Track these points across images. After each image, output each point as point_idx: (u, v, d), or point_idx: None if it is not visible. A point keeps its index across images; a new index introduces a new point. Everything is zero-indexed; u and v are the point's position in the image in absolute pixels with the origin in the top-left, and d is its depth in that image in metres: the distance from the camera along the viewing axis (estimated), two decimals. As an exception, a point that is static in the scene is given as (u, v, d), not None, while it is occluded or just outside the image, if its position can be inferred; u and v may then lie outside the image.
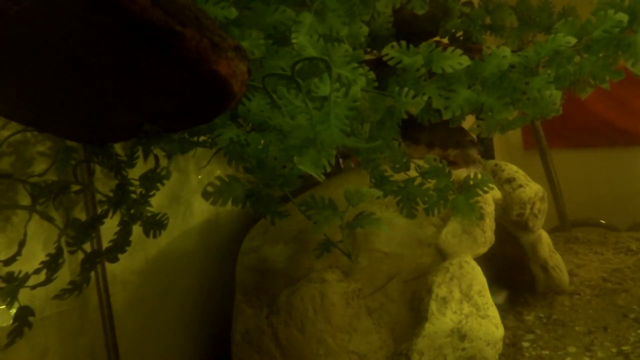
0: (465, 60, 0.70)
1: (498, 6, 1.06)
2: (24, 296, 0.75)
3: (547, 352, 1.02)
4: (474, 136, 1.14)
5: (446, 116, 0.72)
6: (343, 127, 0.53)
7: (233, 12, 0.57)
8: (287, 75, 0.57)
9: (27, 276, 0.75)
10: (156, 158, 0.86)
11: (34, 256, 0.81)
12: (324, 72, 0.57)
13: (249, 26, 0.63)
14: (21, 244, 0.76)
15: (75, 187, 0.85)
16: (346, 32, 0.69)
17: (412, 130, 1.09)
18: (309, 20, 0.64)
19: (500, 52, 0.72)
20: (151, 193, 0.84)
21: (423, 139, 1.12)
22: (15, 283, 0.73)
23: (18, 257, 0.76)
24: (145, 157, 0.85)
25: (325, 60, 0.57)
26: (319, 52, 0.61)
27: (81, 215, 0.91)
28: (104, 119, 0.57)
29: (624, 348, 0.98)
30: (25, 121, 0.66)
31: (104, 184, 0.91)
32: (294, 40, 0.62)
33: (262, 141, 0.59)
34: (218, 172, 1.15)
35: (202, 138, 0.81)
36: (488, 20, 1.07)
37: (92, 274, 0.89)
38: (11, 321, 0.74)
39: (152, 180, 0.83)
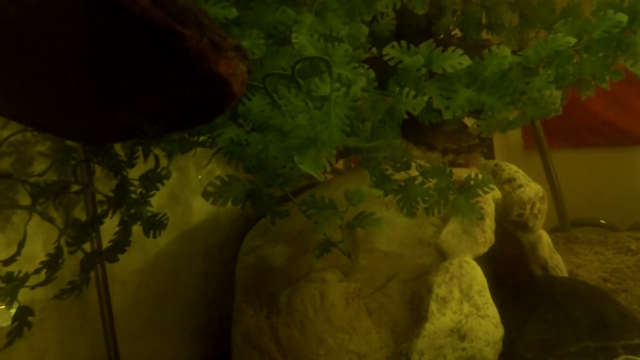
0: (466, 60, 0.69)
1: (495, 3, 1.04)
2: (24, 296, 0.75)
3: (547, 352, 1.01)
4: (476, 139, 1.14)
5: (446, 116, 0.72)
6: (343, 127, 0.53)
7: (233, 12, 0.57)
8: (287, 74, 0.57)
9: (26, 276, 0.75)
10: (156, 158, 0.86)
11: (34, 256, 0.81)
12: (324, 72, 0.57)
13: (249, 26, 0.63)
14: (21, 244, 0.76)
15: (75, 187, 0.85)
16: (346, 32, 0.69)
17: (426, 135, 1.09)
18: (309, 20, 0.64)
19: (501, 52, 0.72)
20: (151, 193, 0.85)
21: (439, 146, 1.12)
22: (14, 283, 0.73)
23: (17, 257, 0.76)
24: (145, 157, 0.85)
25: (326, 59, 0.57)
26: (319, 52, 0.61)
27: (81, 215, 0.91)
28: (104, 119, 0.57)
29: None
30: (25, 121, 0.67)
31: (104, 184, 0.91)
32: (294, 40, 0.62)
33: (263, 141, 0.58)
34: (218, 172, 1.15)
35: (202, 138, 0.81)
36: (485, 19, 1.06)
37: (92, 274, 0.89)
38: (10, 321, 0.74)
39: (152, 180, 0.83)
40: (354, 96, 0.55)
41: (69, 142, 0.83)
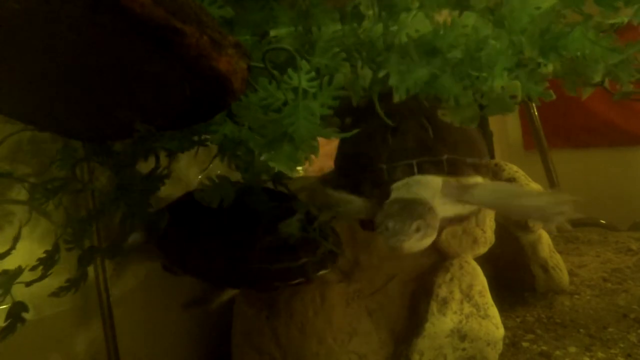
0: (425, 27, 0.57)
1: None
2: (25, 296, 0.74)
3: (547, 352, 1.01)
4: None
5: (395, 98, 0.60)
6: (313, 120, 0.50)
7: (230, 12, 0.57)
8: (260, 66, 0.55)
9: (20, 270, 0.73)
10: (157, 157, 0.86)
11: (35, 257, 0.81)
12: (302, 61, 0.54)
13: (236, 23, 0.61)
14: (16, 239, 0.75)
15: (76, 186, 0.85)
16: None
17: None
18: (290, 16, 0.61)
19: (462, 21, 0.58)
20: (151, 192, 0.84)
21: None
22: (7, 276, 0.72)
23: (13, 251, 0.75)
24: (146, 157, 0.85)
25: (289, 49, 0.54)
26: (299, 42, 0.59)
27: (81, 214, 0.91)
28: (105, 118, 0.57)
29: (624, 348, 0.98)
30: (26, 120, 0.66)
31: (104, 184, 0.91)
32: (272, 33, 0.60)
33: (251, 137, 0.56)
34: (219, 172, 1.15)
35: (203, 136, 0.80)
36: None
37: (92, 273, 0.89)
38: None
39: (152, 179, 0.83)
40: (337, 85, 0.52)
41: (69, 141, 0.83)
